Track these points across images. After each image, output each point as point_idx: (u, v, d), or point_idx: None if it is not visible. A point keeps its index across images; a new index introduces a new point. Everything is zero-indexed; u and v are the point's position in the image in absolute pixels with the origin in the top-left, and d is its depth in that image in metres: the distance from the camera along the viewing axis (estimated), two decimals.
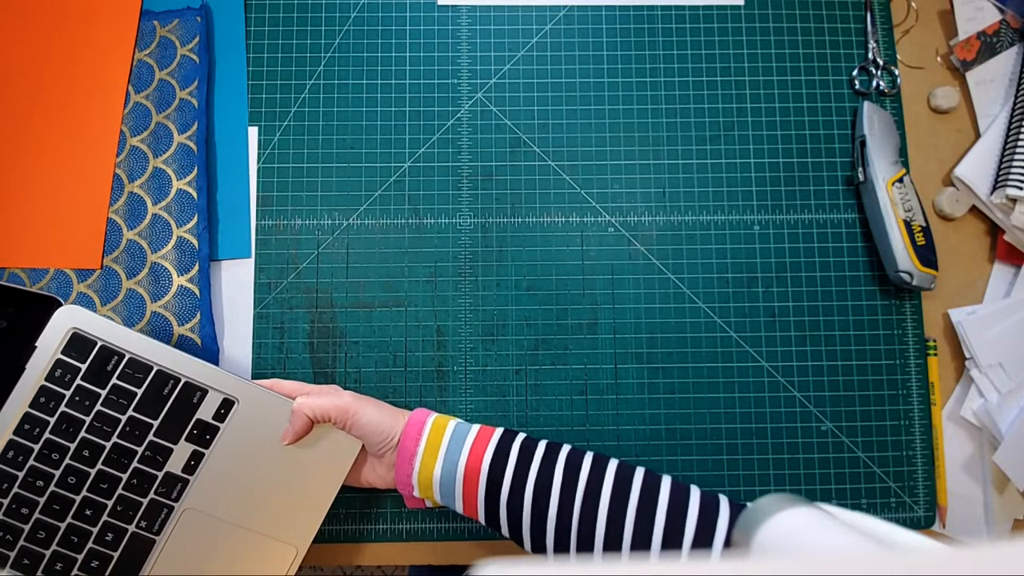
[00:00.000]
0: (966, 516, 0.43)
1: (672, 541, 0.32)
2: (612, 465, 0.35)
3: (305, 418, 0.37)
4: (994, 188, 0.45)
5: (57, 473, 0.36)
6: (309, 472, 0.38)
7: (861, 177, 0.45)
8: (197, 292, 0.44)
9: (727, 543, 0.31)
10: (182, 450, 0.37)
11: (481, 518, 0.36)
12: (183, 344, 0.43)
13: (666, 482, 0.35)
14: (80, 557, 0.36)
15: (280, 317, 0.45)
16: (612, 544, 0.33)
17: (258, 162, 0.46)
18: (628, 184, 0.46)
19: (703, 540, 0.32)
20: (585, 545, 0.33)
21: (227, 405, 0.38)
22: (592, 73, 0.47)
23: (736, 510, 0.33)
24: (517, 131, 0.47)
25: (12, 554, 0.36)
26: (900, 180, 0.44)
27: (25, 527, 0.36)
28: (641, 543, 0.32)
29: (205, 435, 0.38)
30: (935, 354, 0.45)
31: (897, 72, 0.48)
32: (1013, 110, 0.46)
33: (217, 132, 0.46)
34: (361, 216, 0.46)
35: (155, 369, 0.37)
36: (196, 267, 0.44)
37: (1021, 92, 0.46)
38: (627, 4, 0.48)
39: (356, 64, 0.47)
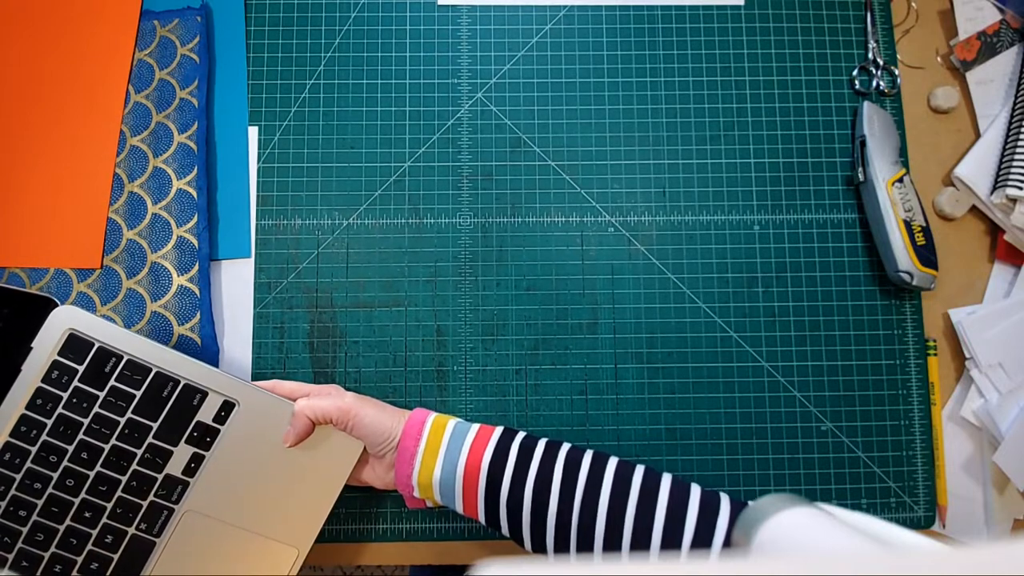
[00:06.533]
0: (966, 516, 0.43)
1: (672, 539, 0.32)
2: (612, 463, 0.35)
3: (306, 420, 0.37)
4: (994, 188, 0.45)
5: (55, 475, 0.36)
6: (310, 474, 0.38)
7: (861, 177, 0.45)
8: (197, 292, 0.44)
9: (727, 541, 0.31)
10: (182, 452, 0.37)
11: (481, 518, 0.36)
12: (183, 344, 0.43)
13: (666, 480, 0.35)
14: (80, 559, 0.36)
15: (280, 317, 0.45)
16: (612, 542, 0.33)
17: (258, 162, 0.46)
18: (628, 184, 0.46)
19: (703, 538, 0.32)
20: (585, 543, 0.33)
21: (227, 407, 0.38)
22: (592, 73, 0.47)
23: (737, 508, 0.33)
24: (517, 131, 0.47)
25: (11, 556, 0.36)
26: (900, 180, 0.44)
27: (23, 529, 0.36)
28: (641, 540, 0.32)
29: (205, 437, 0.37)
30: (935, 354, 0.45)
31: (897, 72, 0.48)
32: (1013, 110, 0.46)
33: (217, 132, 0.46)
34: (361, 216, 0.46)
35: (154, 371, 0.37)
36: (196, 267, 0.44)
37: (1021, 92, 0.46)
38: (627, 4, 0.48)
39: (356, 64, 0.47)
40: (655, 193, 0.46)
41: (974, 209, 0.46)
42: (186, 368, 0.38)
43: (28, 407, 0.36)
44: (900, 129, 0.47)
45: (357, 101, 0.47)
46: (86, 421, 0.37)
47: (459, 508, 0.37)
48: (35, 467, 0.36)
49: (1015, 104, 0.46)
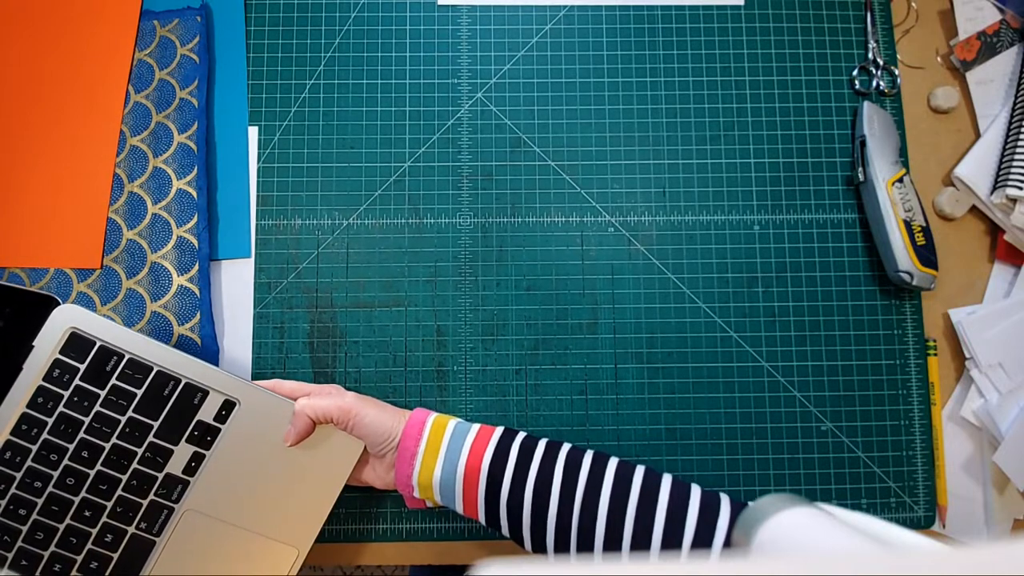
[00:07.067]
0: (966, 516, 0.43)
1: (672, 539, 0.32)
2: (612, 463, 0.35)
3: (307, 419, 0.37)
4: (994, 188, 0.45)
5: (55, 474, 0.36)
6: (311, 474, 0.38)
7: (861, 177, 0.45)
8: (197, 292, 0.44)
9: (727, 542, 0.31)
10: (183, 451, 0.37)
11: (481, 518, 0.36)
12: (183, 344, 0.43)
13: (666, 480, 0.35)
14: (79, 558, 0.36)
15: (280, 317, 0.45)
16: (612, 542, 0.33)
17: (258, 162, 0.46)
18: (628, 184, 0.46)
19: (703, 539, 0.32)
20: (585, 544, 0.33)
21: (228, 406, 0.38)
22: (592, 73, 0.47)
23: (737, 509, 0.33)
24: (517, 131, 0.47)
25: (10, 555, 0.36)
26: (900, 180, 0.44)
27: (23, 528, 0.36)
28: (641, 541, 0.32)
29: (206, 436, 0.37)
30: (935, 354, 0.45)
31: (897, 72, 0.48)
32: (1013, 110, 0.46)
33: (217, 132, 0.46)
34: (361, 216, 0.46)
35: (155, 370, 0.37)
36: (196, 267, 0.44)
37: (1021, 92, 0.46)
38: (627, 4, 0.48)
39: (356, 64, 0.47)
40: (655, 193, 0.46)
41: (974, 209, 0.46)
42: (187, 367, 0.38)
43: (29, 405, 0.36)
44: (900, 129, 0.47)
45: (357, 101, 0.47)
46: (87, 420, 0.37)
47: (459, 508, 0.37)
48: (35, 466, 0.36)
49: (1015, 104, 0.46)
